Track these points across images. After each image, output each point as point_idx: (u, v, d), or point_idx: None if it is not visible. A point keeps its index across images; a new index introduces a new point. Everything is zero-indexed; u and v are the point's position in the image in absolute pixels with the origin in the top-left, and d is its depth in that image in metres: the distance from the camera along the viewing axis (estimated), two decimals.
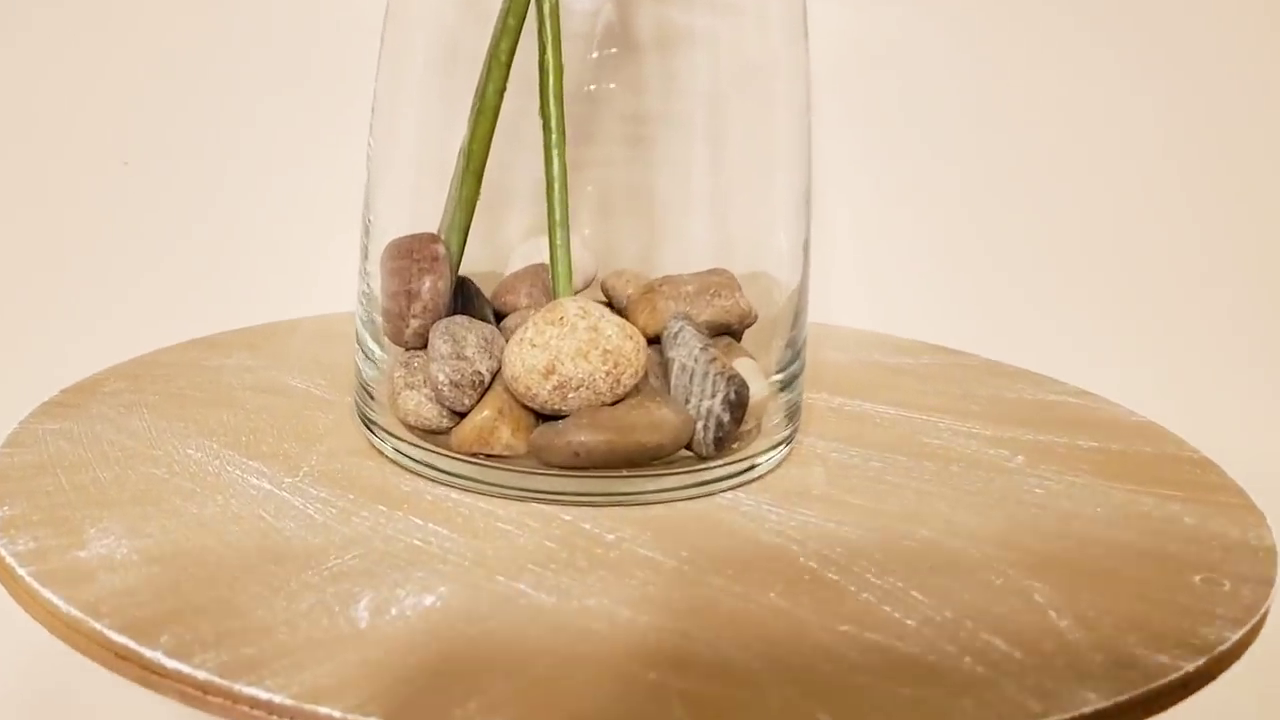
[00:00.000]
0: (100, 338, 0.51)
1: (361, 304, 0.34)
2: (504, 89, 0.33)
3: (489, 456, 0.31)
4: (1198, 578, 0.29)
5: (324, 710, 0.22)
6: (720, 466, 0.32)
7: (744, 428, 0.33)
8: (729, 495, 0.32)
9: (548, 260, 0.34)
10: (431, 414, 0.32)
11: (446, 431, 0.32)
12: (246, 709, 0.22)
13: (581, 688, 0.23)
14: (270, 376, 0.39)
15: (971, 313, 0.53)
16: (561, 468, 0.31)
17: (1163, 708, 0.25)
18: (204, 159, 0.51)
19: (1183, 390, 0.52)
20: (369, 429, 0.33)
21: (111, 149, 0.51)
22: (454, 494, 0.31)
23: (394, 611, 0.25)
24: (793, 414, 0.35)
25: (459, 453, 0.31)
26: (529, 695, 0.23)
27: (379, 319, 0.33)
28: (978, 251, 0.53)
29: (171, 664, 0.23)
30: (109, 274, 0.51)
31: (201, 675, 0.23)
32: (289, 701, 0.22)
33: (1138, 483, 0.35)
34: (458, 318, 0.32)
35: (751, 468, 0.33)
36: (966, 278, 0.53)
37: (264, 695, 0.22)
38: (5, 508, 0.29)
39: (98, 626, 0.24)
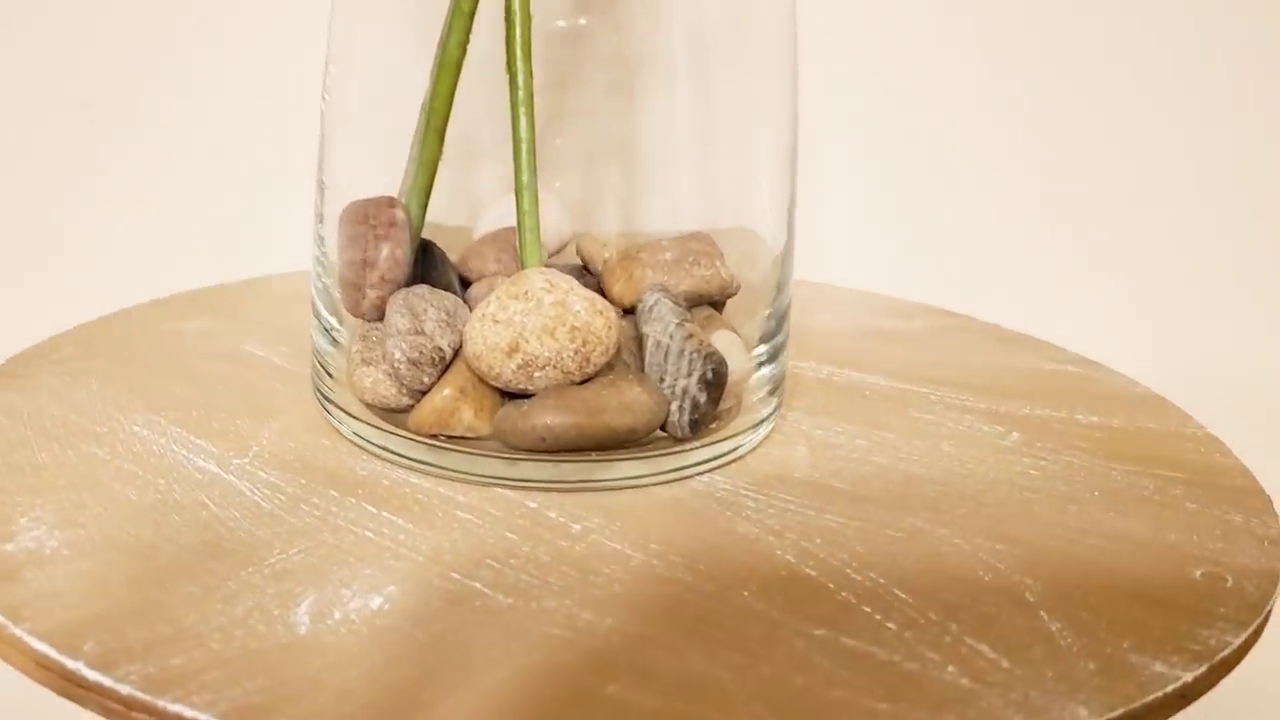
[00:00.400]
0: (54, 299, 0.49)
1: (316, 271, 0.32)
2: (467, 41, 0.30)
3: (450, 438, 0.30)
4: (1199, 572, 0.28)
5: None
6: (697, 449, 0.30)
7: (722, 407, 0.31)
8: (705, 479, 0.31)
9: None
10: (390, 392, 0.30)
11: (406, 410, 0.30)
12: None
13: (533, 705, 0.22)
14: (230, 343, 0.37)
15: (969, 271, 0.51)
16: (527, 451, 0.29)
17: None
18: (169, 105, 0.49)
19: (1187, 355, 0.51)
20: (325, 407, 0.32)
21: (70, 90, 0.49)
22: (413, 478, 0.30)
23: (337, 615, 0.24)
24: (776, 389, 0.33)
25: (418, 434, 0.30)
26: (475, 714, 0.21)
27: (335, 290, 0.31)
28: (977, 207, 0.51)
29: (94, 676, 0.21)
30: (66, 228, 0.49)
31: (124, 690, 0.21)
32: None
33: (1138, 463, 0.33)
34: (418, 288, 0.30)
35: (731, 450, 0.31)
36: (964, 234, 0.51)
37: (189, 713, 0.21)
38: None
39: (18, 632, 0.22)
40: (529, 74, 0.30)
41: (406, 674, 0.22)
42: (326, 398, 0.32)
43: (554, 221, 0.35)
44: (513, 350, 0.29)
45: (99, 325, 0.38)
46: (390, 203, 0.31)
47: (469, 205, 0.37)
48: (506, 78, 0.30)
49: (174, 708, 0.21)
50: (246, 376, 0.35)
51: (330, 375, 0.32)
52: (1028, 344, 0.41)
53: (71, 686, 0.22)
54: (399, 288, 0.31)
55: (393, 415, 0.31)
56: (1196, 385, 0.41)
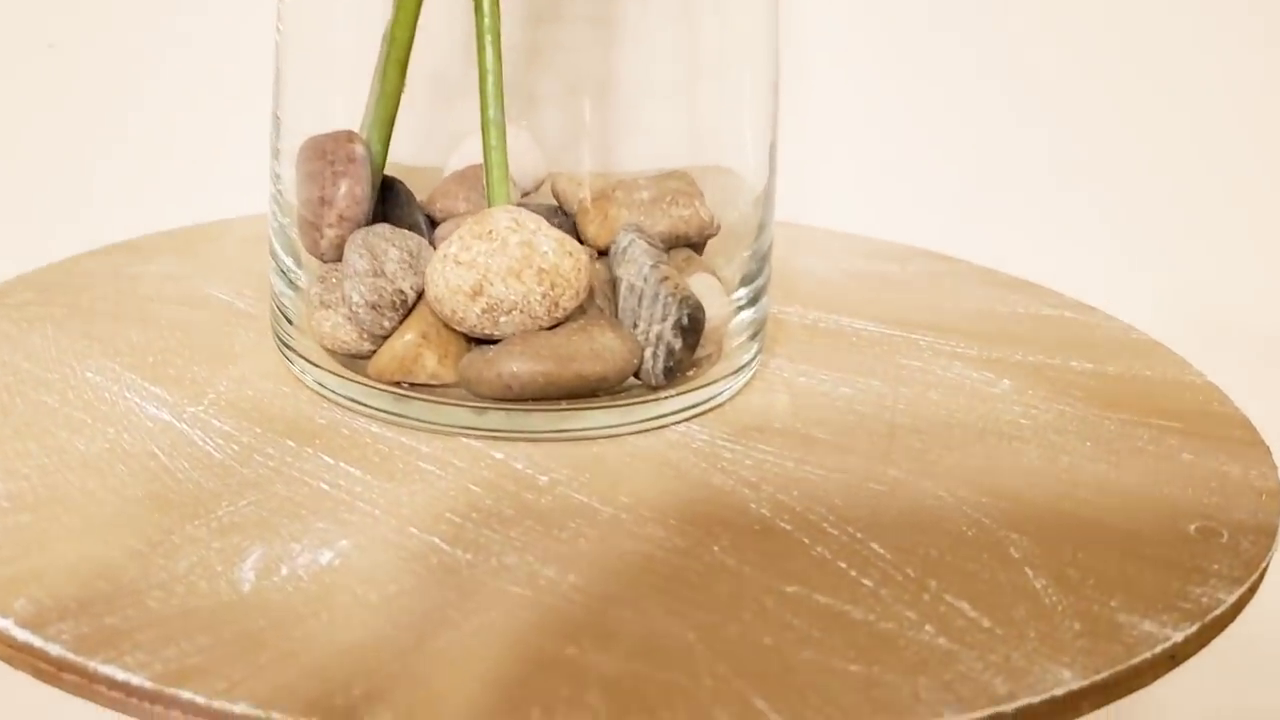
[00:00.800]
0: (10, 243, 0.47)
1: (273, 211, 0.31)
2: None
3: (413, 386, 0.28)
4: (1193, 527, 0.26)
5: (186, 695, 0.19)
6: (671, 398, 0.29)
7: (701, 353, 0.30)
8: (681, 429, 0.29)
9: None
10: (350, 337, 0.29)
11: (368, 356, 0.29)
12: (104, 690, 0.20)
13: (485, 667, 0.21)
14: (192, 287, 0.35)
15: (964, 212, 0.50)
16: (493, 400, 0.28)
17: (1145, 684, 0.22)
18: (133, 43, 0.47)
19: (1187, 303, 0.49)
20: (283, 352, 0.30)
21: (36, 29, 0.47)
22: (374, 427, 0.28)
23: (284, 572, 0.23)
24: (757, 334, 0.32)
25: (379, 382, 0.28)
26: (422, 677, 0.20)
27: (292, 231, 0.30)
28: (970, 145, 0.49)
29: (22, 636, 0.20)
30: (25, 169, 0.48)
31: (54, 650, 0.20)
32: (148, 684, 0.19)
33: (1134, 412, 0.32)
34: (378, 227, 0.29)
35: (709, 399, 0.30)
36: (958, 174, 0.49)
37: (121, 675, 0.20)
38: None
39: None
40: (495, 2, 0.29)
41: (353, 634, 0.21)
42: (285, 344, 0.30)
43: (528, 160, 0.34)
44: (476, 293, 0.27)
45: (57, 269, 0.36)
46: (349, 137, 0.29)
47: (441, 147, 0.35)
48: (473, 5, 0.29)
49: (105, 669, 0.20)
50: (207, 321, 0.33)
51: (289, 320, 0.30)
52: (1023, 288, 0.40)
53: (2, 646, 0.21)
54: (358, 227, 0.29)
55: (354, 361, 0.29)
56: (1196, 334, 0.40)
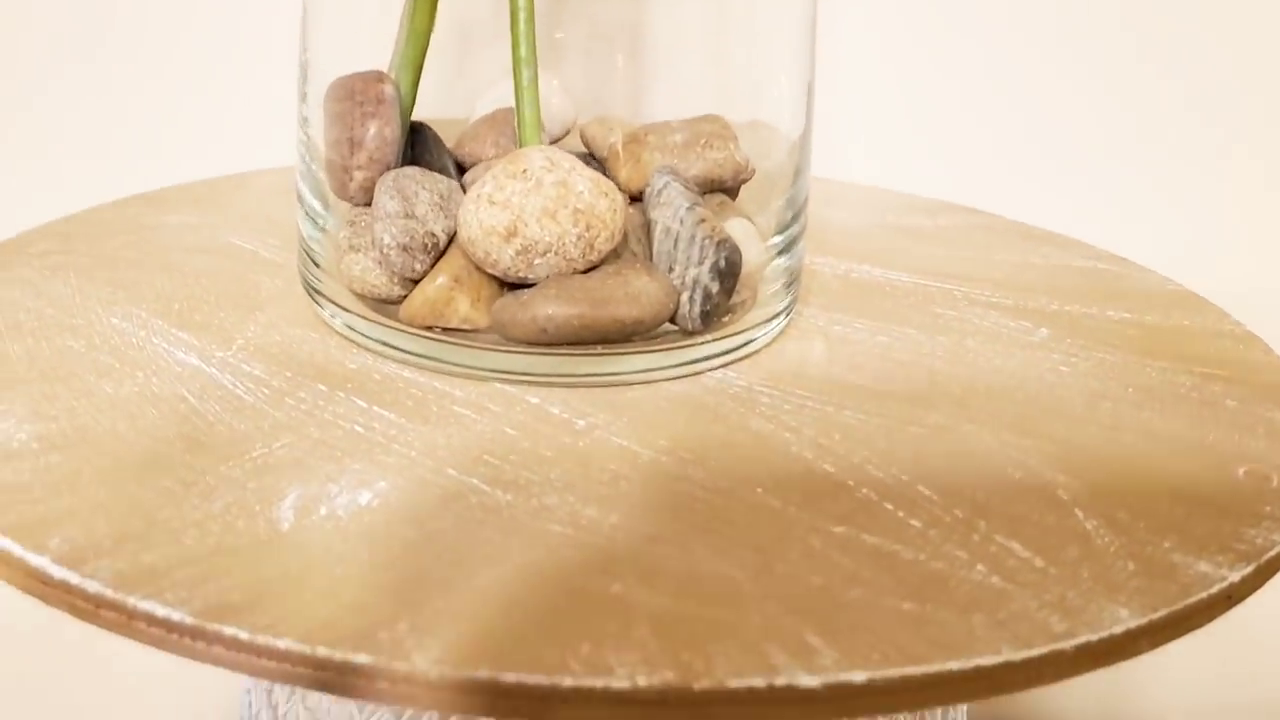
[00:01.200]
0: (26, 196, 0.47)
1: (301, 155, 0.30)
2: None
3: (445, 331, 0.28)
4: (1241, 470, 0.26)
5: (229, 630, 0.19)
6: (708, 343, 0.29)
7: (736, 299, 0.29)
8: (718, 375, 0.29)
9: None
10: (380, 281, 0.28)
11: (398, 301, 0.29)
12: (143, 626, 0.19)
13: (530, 604, 0.20)
14: (214, 236, 0.35)
15: (994, 167, 0.49)
16: (527, 344, 0.27)
17: (1202, 624, 0.22)
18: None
19: (1225, 256, 0.48)
20: (312, 297, 0.30)
21: None
22: (406, 372, 0.28)
23: (323, 511, 0.22)
24: (792, 282, 0.31)
25: (410, 326, 0.28)
26: (468, 613, 0.20)
27: (321, 174, 0.29)
28: (1002, 100, 0.49)
29: (59, 573, 0.20)
30: (40, 121, 0.47)
31: (92, 587, 0.20)
32: (189, 619, 0.19)
33: (1174, 360, 0.31)
34: (408, 170, 0.28)
35: (737, 347, 0.29)
36: (989, 128, 0.49)
37: (161, 612, 0.19)
38: None
39: None
40: None
41: (395, 573, 0.21)
42: (314, 289, 0.30)
43: (557, 106, 0.33)
44: (511, 234, 0.27)
45: (77, 220, 0.36)
46: (379, 78, 0.29)
47: (462, 99, 0.34)
48: None
49: (144, 605, 0.19)
50: (231, 269, 0.33)
51: (318, 265, 0.30)
52: (1056, 241, 0.39)
53: (36, 584, 0.20)
54: (388, 169, 0.29)
55: (384, 307, 0.29)
56: (1231, 288, 0.39)
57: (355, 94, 0.28)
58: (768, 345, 0.30)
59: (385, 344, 0.28)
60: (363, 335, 0.28)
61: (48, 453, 0.23)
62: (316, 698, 0.35)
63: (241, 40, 0.47)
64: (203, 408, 0.26)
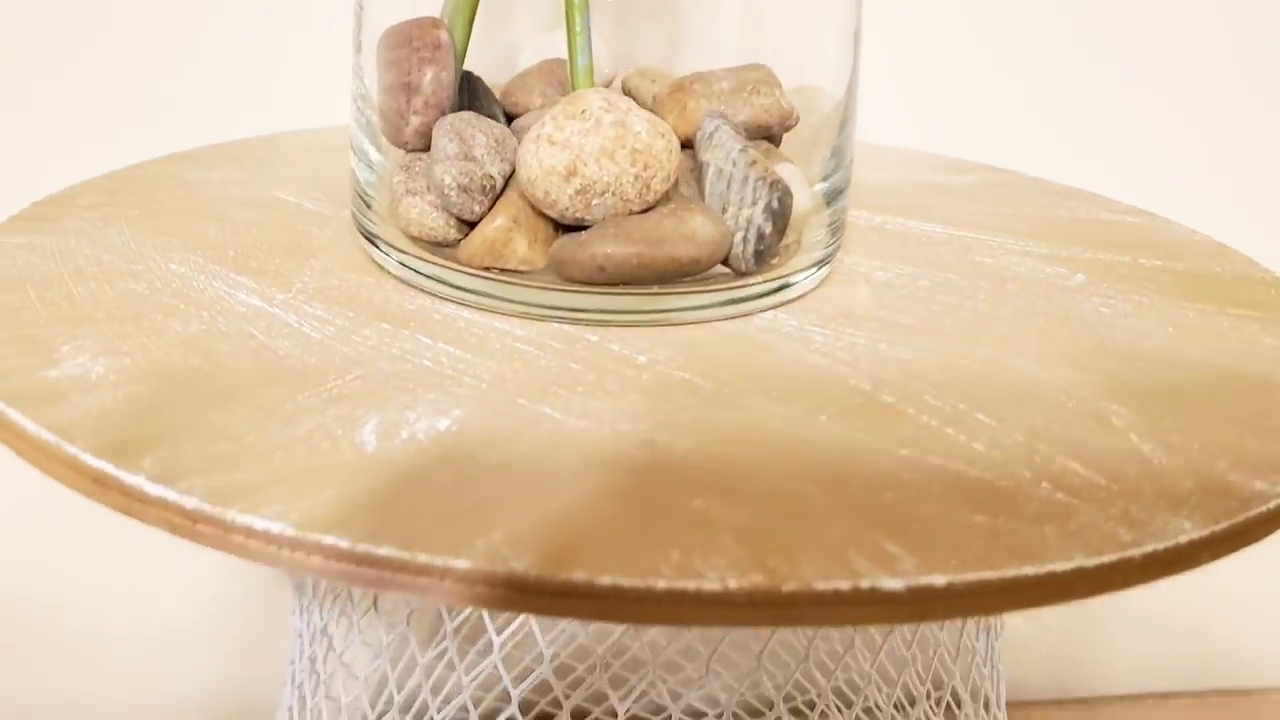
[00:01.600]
0: (65, 155, 0.47)
1: (357, 105, 0.31)
2: None
3: (502, 271, 0.28)
4: None
5: (329, 540, 0.19)
6: (758, 284, 0.29)
7: (784, 241, 0.30)
8: (767, 316, 0.29)
9: (564, 54, 0.30)
10: (437, 223, 0.29)
11: (454, 244, 0.29)
12: (241, 539, 0.20)
13: (615, 517, 0.21)
14: (258, 190, 0.35)
15: (1017, 129, 0.49)
16: (584, 283, 0.28)
17: (1260, 537, 0.22)
18: None
19: (1248, 212, 0.49)
20: (369, 241, 0.30)
21: None
22: (465, 312, 0.28)
23: (404, 435, 0.23)
24: (836, 229, 0.32)
25: (469, 267, 0.28)
26: (560, 524, 0.20)
27: (375, 119, 0.30)
28: (1027, 62, 0.49)
29: (156, 490, 0.20)
30: (69, 83, 0.47)
31: (190, 503, 0.20)
32: (290, 531, 0.19)
33: (1210, 302, 0.32)
34: (465, 114, 0.29)
35: (788, 285, 0.30)
36: (1012, 90, 0.49)
37: (260, 524, 0.20)
38: None
39: (73, 451, 0.21)
40: None
41: (482, 490, 0.21)
42: (370, 233, 0.30)
43: (597, 60, 0.33)
44: (570, 174, 0.27)
45: (118, 176, 0.36)
46: (434, 24, 0.29)
47: (498, 54, 0.35)
48: None
49: (243, 519, 0.20)
50: (279, 221, 0.33)
51: (371, 209, 0.30)
52: (1080, 196, 0.40)
53: (132, 503, 0.21)
54: (444, 114, 0.29)
55: (439, 250, 0.29)
56: (1254, 243, 0.40)
57: (412, 40, 0.29)
58: (814, 290, 0.31)
59: (444, 283, 0.29)
60: (422, 276, 0.29)
61: (127, 384, 0.24)
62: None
63: (272, 8, 0.47)
64: (272, 344, 0.26)
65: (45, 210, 0.33)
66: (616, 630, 0.37)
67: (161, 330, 0.26)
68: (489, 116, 0.30)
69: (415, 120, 0.29)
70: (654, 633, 0.37)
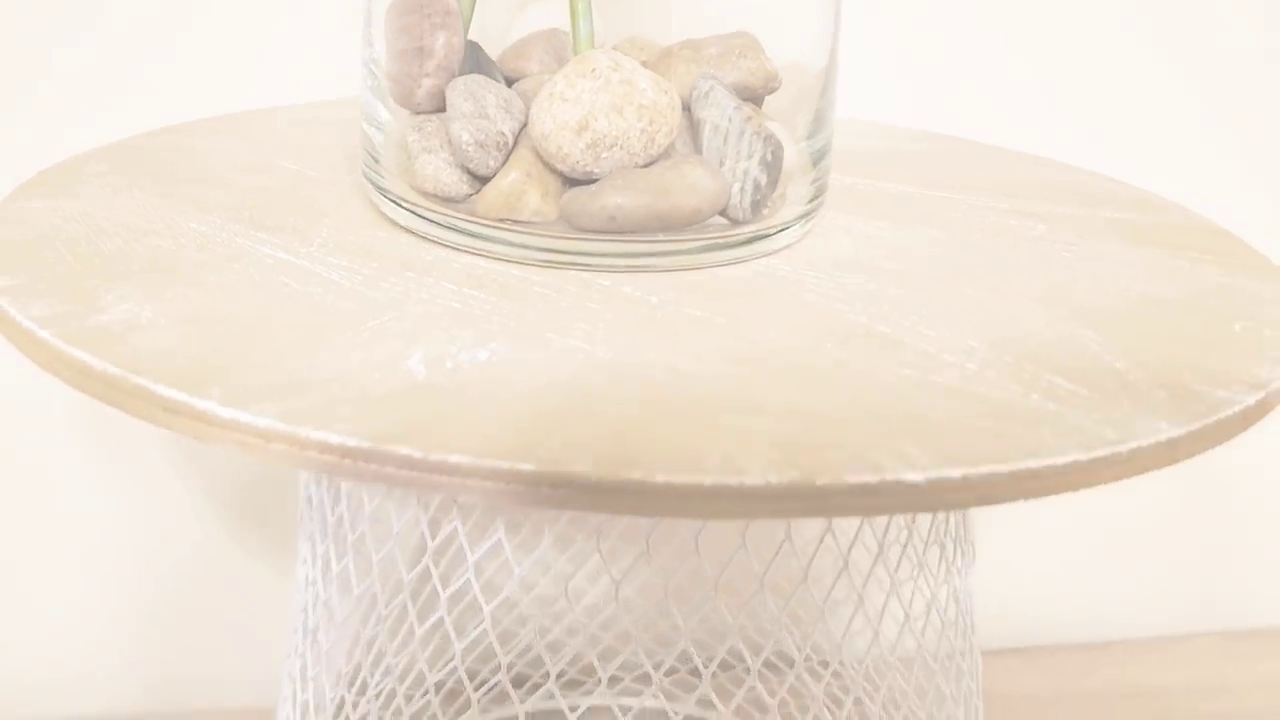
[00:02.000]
0: (57, 131, 0.47)
1: (368, 71, 0.32)
2: None
3: (516, 223, 0.30)
4: (1238, 326, 0.29)
5: (403, 450, 0.21)
6: (753, 232, 0.31)
7: (775, 193, 0.32)
8: (761, 263, 0.31)
9: (563, 23, 0.31)
10: (452, 179, 0.30)
11: (466, 200, 0.31)
12: (315, 454, 0.21)
13: (661, 430, 0.22)
14: (258, 158, 0.36)
15: (974, 105, 0.52)
16: (595, 233, 0.30)
17: (1229, 437, 0.25)
18: None
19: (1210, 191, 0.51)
20: (385, 196, 0.32)
21: None
22: (482, 262, 0.30)
23: (449, 365, 0.24)
24: (821, 187, 0.34)
25: (485, 219, 0.30)
26: (612, 436, 0.22)
27: (385, 83, 0.31)
28: (990, 39, 0.52)
29: (228, 413, 0.22)
30: (70, 55, 0.47)
31: (263, 423, 0.21)
32: (364, 444, 0.21)
33: (1167, 248, 0.34)
34: (474, 76, 0.30)
35: (784, 230, 0.32)
36: (978, 65, 0.51)
37: (335, 439, 0.21)
38: (6, 277, 0.27)
39: (141, 382, 0.22)
40: None
41: (532, 409, 0.23)
42: (384, 190, 0.32)
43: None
44: (582, 128, 0.29)
45: (118, 147, 0.37)
46: None
47: (497, 21, 0.36)
48: None
49: (317, 435, 0.21)
50: (285, 186, 0.34)
51: (378, 161, 0.31)
52: (1036, 160, 0.43)
53: (204, 427, 0.22)
54: (454, 77, 0.30)
55: (452, 204, 0.31)
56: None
57: (423, 7, 0.30)
58: (800, 241, 0.33)
59: (462, 232, 0.30)
60: (439, 227, 0.30)
61: (178, 325, 0.25)
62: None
63: None
64: (305, 290, 0.27)
65: (54, 177, 0.34)
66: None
67: (198, 281, 0.27)
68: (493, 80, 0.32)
69: (427, 83, 0.30)
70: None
